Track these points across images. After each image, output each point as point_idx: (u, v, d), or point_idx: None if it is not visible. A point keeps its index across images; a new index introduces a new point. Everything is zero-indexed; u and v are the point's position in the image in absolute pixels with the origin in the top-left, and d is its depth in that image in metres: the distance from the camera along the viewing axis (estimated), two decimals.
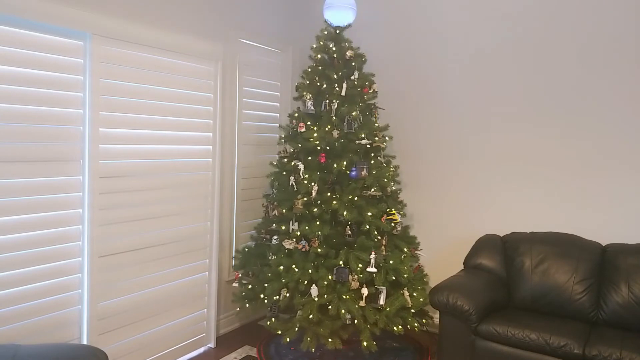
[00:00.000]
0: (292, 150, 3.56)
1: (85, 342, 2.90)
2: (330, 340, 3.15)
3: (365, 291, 3.17)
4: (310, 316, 3.10)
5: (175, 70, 3.31)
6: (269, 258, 3.43)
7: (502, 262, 3.52)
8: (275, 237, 3.47)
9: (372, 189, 3.37)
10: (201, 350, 3.69)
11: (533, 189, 3.72)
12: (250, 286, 3.49)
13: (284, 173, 3.51)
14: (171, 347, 3.45)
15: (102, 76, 2.88)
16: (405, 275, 3.32)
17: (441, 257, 4.10)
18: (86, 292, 2.88)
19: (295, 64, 4.50)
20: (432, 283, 4.05)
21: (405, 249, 3.48)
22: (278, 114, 4.37)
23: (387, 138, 3.63)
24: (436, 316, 4.01)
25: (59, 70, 2.69)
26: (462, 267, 3.84)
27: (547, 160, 3.66)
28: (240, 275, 3.62)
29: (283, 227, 3.39)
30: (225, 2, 3.76)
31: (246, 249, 3.66)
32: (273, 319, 3.33)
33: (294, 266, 3.24)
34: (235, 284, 3.63)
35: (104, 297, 2.98)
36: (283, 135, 3.61)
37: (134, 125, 3.08)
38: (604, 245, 3.39)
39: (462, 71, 3.96)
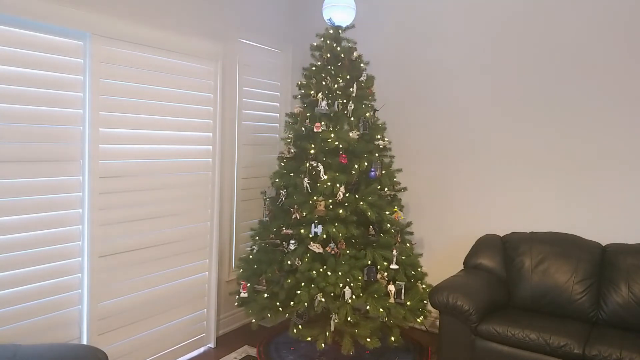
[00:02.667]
0: (293, 150, 3.47)
1: (85, 342, 2.90)
2: (368, 340, 3.14)
3: (392, 288, 3.22)
4: (349, 319, 3.09)
5: (175, 70, 3.31)
6: (289, 263, 3.25)
7: (502, 262, 3.52)
8: (292, 241, 3.32)
9: (386, 189, 3.41)
10: (201, 350, 3.69)
11: (533, 188, 3.72)
12: (266, 295, 3.30)
13: (292, 174, 3.40)
14: (171, 347, 3.45)
15: (102, 76, 2.88)
16: (419, 269, 3.44)
17: (441, 257, 4.10)
18: (86, 292, 2.88)
19: (295, 63, 4.50)
20: (432, 283, 4.05)
21: (408, 244, 3.54)
22: (278, 114, 4.37)
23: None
24: (436, 315, 4.01)
25: (59, 70, 2.69)
26: (462, 267, 3.84)
27: (547, 160, 3.66)
28: (248, 285, 3.42)
29: (302, 231, 3.26)
30: (225, 2, 3.76)
31: (250, 256, 3.51)
32: (300, 326, 3.26)
33: (321, 269, 3.16)
34: (244, 294, 3.41)
35: (104, 297, 2.98)
36: (291, 135, 3.49)
37: (134, 125, 3.08)
38: (604, 245, 3.39)
39: (461, 70, 3.95)
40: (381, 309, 3.11)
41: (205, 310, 3.70)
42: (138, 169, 3.13)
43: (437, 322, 3.93)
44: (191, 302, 3.57)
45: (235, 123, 3.92)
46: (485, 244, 3.63)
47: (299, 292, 3.14)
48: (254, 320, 3.41)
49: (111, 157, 2.96)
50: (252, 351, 3.66)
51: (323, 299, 3.12)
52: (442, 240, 4.09)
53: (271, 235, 3.45)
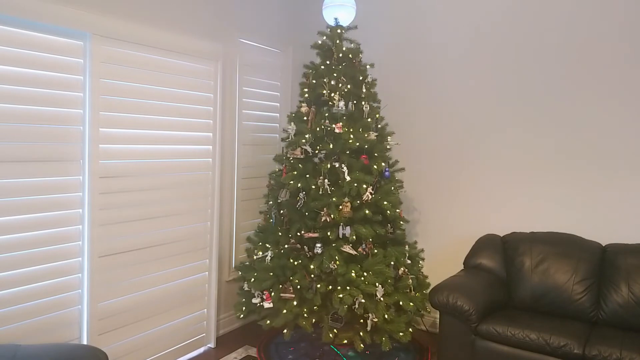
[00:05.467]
0: (310, 151, 3.37)
1: (85, 342, 2.90)
2: (402, 334, 3.17)
3: (410, 281, 3.30)
4: (385, 316, 3.10)
5: (175, 70, 3.31)
6: (312, 268, 3.18)
7: (502, 262, 3.52)
8: (318, 244, 3.27)
9: (392, 187, 3.46)
10: (201, 350, 3.69)
11: (533, 189, 3.72)
12: (295, 302, 3.21)
13: (308, 176, 3.34)
14: (171, 347, 3.45)
15: (102, 76, 2.88)
16: (420, 261, 3.57)
17: (441, 257, 4.10)
18: (86, 292, 2.88)
19: (295, 63, 4.50)
20: (432, 283, 4.05)
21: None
22: (278, 114, 4.37)
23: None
24: (436, 316, 4.01)
25: (59, 70, 2.69)
26: (462, 267, 3.84)
27: (547, 160, 3.66)
28: (272, 294, 3.28)
29: (329, 233, 3.21)
30: (225, 2, 3.76)
31: (270, 263, 3.37)
32: (335, 330, 3.23)
33: (354, 271, 3.13)
34: (268, 305, 3.27)
35: (104, 297, 2.98)
36: (307, 136, 3.36)
37: (134, 125, 3.08)
38: (604, 245, 3.39)
39: (462, 71, 3.95)
40: (411, 303, 3.20)
41: (205, 310, 3.70)
42: (138, 169, 3.13)
43: (437, 322, 3.93)
44: (191, 302, 3.57)
45: (235, 123, 3.92)
46: (485, 244, 3.63)
47: (341, 295, 3.07)
48: (285, 331, 3.32)
49: (111, 157, 2.96)
50: (252, 351, 3.65)
51: (363, 300, 3.10)
52: (442, 240, 4.09)
53: (291, 240, 3.39)
